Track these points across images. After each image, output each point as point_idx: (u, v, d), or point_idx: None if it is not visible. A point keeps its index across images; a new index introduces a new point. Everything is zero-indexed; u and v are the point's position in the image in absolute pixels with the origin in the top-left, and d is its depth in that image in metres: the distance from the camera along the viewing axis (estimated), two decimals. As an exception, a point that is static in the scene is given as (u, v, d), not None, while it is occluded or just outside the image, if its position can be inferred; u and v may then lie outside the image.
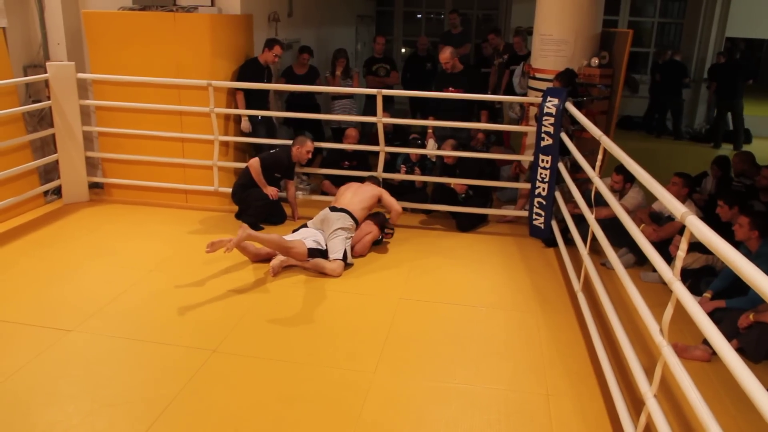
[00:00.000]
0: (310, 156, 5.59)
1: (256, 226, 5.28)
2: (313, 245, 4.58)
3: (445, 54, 5.97)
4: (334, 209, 4.81)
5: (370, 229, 4.98)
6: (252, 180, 5.42)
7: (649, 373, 2.58)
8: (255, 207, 5.38)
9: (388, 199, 5.08)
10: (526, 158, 5.63)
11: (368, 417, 2.96)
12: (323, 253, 4.60)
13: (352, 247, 4.80)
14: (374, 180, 5.48)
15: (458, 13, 8.51)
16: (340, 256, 4.58)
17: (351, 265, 4.70)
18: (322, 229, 4.78)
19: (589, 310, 3.71)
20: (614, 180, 5.05)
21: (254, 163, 5.38)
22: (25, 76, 5.88)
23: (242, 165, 6.02)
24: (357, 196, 4.98)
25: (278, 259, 4.55)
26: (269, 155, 5.50)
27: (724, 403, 3.13)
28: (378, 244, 5.12)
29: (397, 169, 6.14)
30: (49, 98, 5.75)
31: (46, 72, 5.65)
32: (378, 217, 5.20)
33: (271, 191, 5.40)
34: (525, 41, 7.50)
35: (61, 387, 3.11)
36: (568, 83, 5.30)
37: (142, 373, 3.27)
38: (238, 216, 5.54)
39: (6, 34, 5.62)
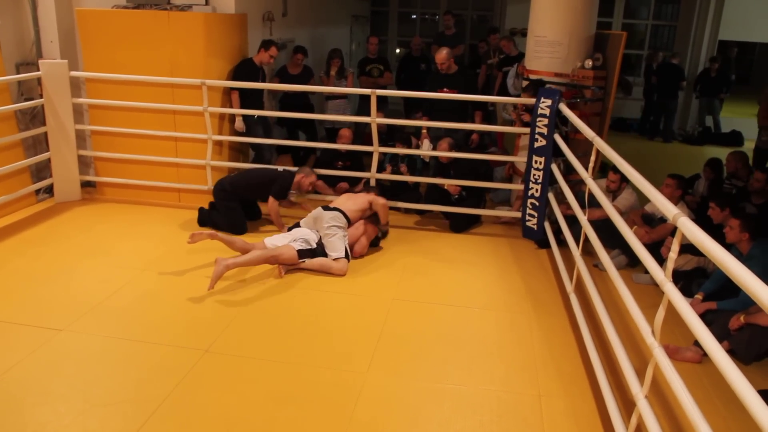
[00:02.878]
0: (310, 189, 5.56)
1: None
2: (302, 246, 4.57)
3: (442, 54, 5.98)
4: (326, 208, 4.82)
5: (365, 229, 4.98)
6: (246, 196, 5.38)
7: (641, 374, 2.59)
8: (227, 225, 5.30)
9: (380, 201, 5.03)
10: (520, 159, 5.64)
11: (361, 417, 2.96)
12: (314, 252, 4.59)
13: (351, 247, 4.80)
14: (368, 187, 5.45)
15: (452, 14, 8.53)
16: (343, 254, 4.59)
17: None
18: (315, 228, 4.78)
19: (581, 312, 3.71)
20: (611, 179, 5.07)
21: (273, 205, 5.23)
22: (18, 73, 5.84)
23: (236, 165, 6.03)
24: (351, 200, 5.02)
25: None
26: (280, 189, 5.27)
27: (715, 404, 3.15)
28: (375, 246, 5.12)
29: (386, 169, 6.15)
30: (41, 96, 5.73)
31: (38, 70, 5.63)
32: (372, 218, 5.22)
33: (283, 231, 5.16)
34: (513, 43, 7.53)
35: (53, 386, 3.09)
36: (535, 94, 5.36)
37: (134, 372, 3.26)
38: (209, 210, 5.49)
39: (-2, 31, 5.60)
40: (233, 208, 5.32)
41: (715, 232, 2.79)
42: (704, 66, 11.26)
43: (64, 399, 2.99)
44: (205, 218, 5.41)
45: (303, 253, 4.53)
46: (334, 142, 6.35)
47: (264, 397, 3.09)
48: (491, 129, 6.38)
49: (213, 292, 4.16)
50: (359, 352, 3.55)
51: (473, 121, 6.29)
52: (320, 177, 6.28)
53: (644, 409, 2.43)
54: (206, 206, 5.56)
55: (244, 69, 6.00)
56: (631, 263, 4.89)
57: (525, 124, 5.53)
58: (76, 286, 4.22)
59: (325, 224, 4.68)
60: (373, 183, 5.71)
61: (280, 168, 5.55)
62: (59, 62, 5.71)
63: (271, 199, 5.23)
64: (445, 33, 8.54)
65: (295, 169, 5.65)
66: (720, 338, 3.26)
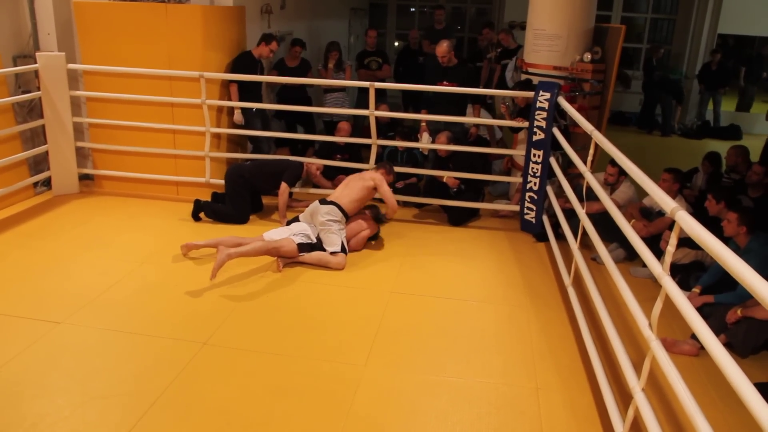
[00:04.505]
0: (318, 172, 5.79)
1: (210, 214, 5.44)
2: (303, 240, 4.57)
3: (443, 47, 5.96)
4: (323, 202, 4.81)
5: (367, 225, 4.98)
6: (260, 185, 5.44)
7: (638, 367, 2.60)
8: (231, 213, 5.39)
9: (385, 191, 4.95)
10: (519, 153, 5.64)
11: (359, 410, 2.97)
12: (314, 247, 4.59)
13: (348, 241, 4.80)
14: (382, 166, 5.21)
15: (443, 9, 8.57)
16: (339, 248, 4.59)
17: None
18: (312, 222, 4.78)
19: (579, 305, 3.72)
20: (609, 173, 5.07)
21: (285, 191, 5.34)
22: (15, 66, 5.82)
23: (235, 156, 6.03)
24: (347, 188, 4.95)
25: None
26: (292, 177, 5.44)
27: (712, 397, 3.17)
28: (374, 240, 5.12)
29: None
30: (39, 89, 5.70)
31: (35, 62, 5.60)
32: (372, 210, 5.21)
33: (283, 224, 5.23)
34: (512, 36, 7.52)
35: (52, 379, 3.10)
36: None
37: (132, 365, 3.26)
38: (211, 201, 5.52)
39: (-5, 23, 5.57)
40: (243, 197, 5.40)
41: (713, 226, 2.79)
42: (704, 60, 11.26)
43: (62, 391, 3.00)
44: (202, 210, 5.41)
45: (303, 247, 4.53)
46: (333, 134, 6.34)
47: (262, 389, 3.10)
48: (490, 122, 6.37)
49: (211, 284, 4.16)
50: (357, 345, 3.55)
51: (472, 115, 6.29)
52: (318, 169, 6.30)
53: (641, 401, 2.44)
54: (203, 198, 5.54)
55: (243, 62, 5.98)
56: (629, 257, 4.90)
57: (520, 112, 5.52)
58: (75, 279, 4.22)
59: (321, 218, 4.67)
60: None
61: (291, 158, 5.68)
62: (56, 55, 5.69)
63: (283, 185, 5.33)
64: (435, 27, 8.55)
65: (302, 159, 5.76)
66: (717, 331, 3.26)
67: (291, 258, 4.54)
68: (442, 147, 5.64)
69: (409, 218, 5.79)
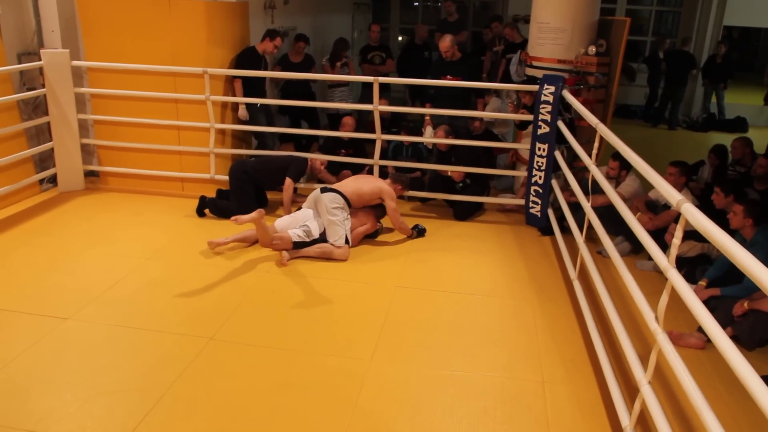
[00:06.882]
0: (322, 168, 5.73)
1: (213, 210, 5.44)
2: (300, 238, 4.58)
3: (446, 42, 5.95)
4: (324, 189, 4.78)
5: (366, 221, 4.97)
6: (265, 181, 5.44)
7: (644, 360, 2.59)
8: (236, 209, 5.37)
9: (390, 205, 4.91)
10: (524, 146, 5.63)
11: (364, 404, 2.98)
12: (307, 244, 4.62)
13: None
14: (395, 177, 5.21)
15: (453, 0, 8.51)
16: (343, 241, 4.59)
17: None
18: (317, 210, 4.77)
19: (584, 298, 3.72)
20: (610, 166, 5.06)
21: (290, 186, 5.35)
22: (20, 63, 5.83)
23: (239, 152, 6.04)
24: (357, 182, 4.95)
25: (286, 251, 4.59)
26: (297, 172, 5.46)
27: (718, 390, 3.16)
28: (374, 237, 5.11)
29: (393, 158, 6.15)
30: (43, 86, 5.72)
31: (40, 59, 5.62)
32: (377, 210, 5.18)
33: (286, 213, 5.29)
34: (518, 30, 7.49)
35: (59, 375, 3.11)
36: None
37: (139, 360, 3.27)
38: (215, 198, 5.52)
39: (0, 21, 5.57)
40: (247, 193, 5.39)
41: (719, 219, 2.78)
42: (709, 52, 11.19)
43: (69, 387, 3.01)
44: (207, 206, 5.42)
45: (297, 244, 4.57)
46: (337, 129, 6.34)
47: (268, 384, 3.11)
48: (494, 116, 6.36)
49: (217, 280, 4.19)
50: (363, 339, 3.56)
51: (476, 109, 6.27)
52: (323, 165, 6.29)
53: (648, 394, 2.44)
54: (209, 195, 5.55)
55: (247, 57, 5.98)
56: (634, 250, 4.89)
57: (525, 107, 5.51)
58: (81, 276, 4.23)
59: (328, 205, 4.64)
60: (376, 170, 5.68)
61: (295, 154, 5.69)
62: (61, 52, 5.70)
63: (288, 180, 5.35)
64: (447, 20, 8.52)
65: (307, 154, 5.75)
66: (724, 324, 3.25)
67: (296, 253, 4.56)
68: (444, 141, 5.62)
69: (413, 213, 5.78)
